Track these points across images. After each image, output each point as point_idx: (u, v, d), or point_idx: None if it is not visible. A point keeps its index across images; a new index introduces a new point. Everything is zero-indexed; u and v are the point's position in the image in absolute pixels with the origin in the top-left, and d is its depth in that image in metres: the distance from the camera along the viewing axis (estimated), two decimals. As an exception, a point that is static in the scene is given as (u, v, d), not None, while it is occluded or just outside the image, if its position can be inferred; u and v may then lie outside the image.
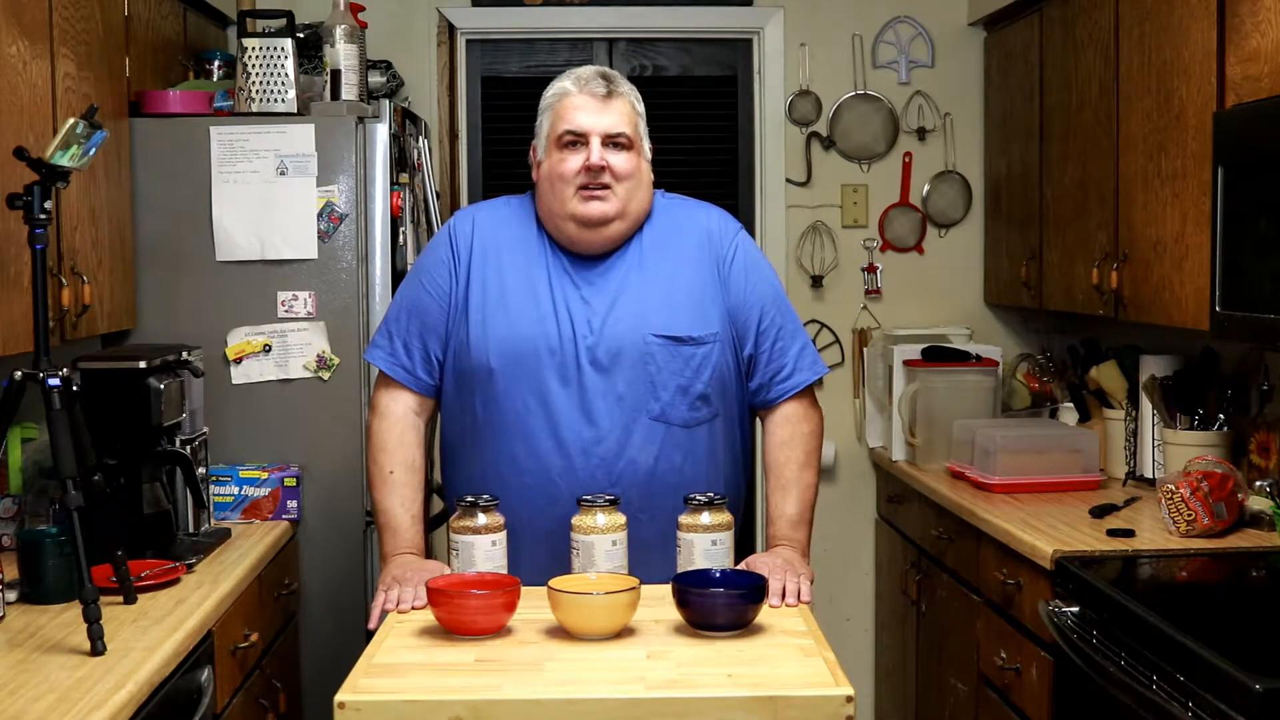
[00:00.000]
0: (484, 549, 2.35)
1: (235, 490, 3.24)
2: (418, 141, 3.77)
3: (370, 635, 2.22)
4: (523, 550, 2.44)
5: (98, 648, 2.19)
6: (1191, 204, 2.94)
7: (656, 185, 2.61)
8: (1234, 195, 2.64)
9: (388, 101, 3.44)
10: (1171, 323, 3.07)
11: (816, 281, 4.44)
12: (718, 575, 2.25)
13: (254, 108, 3.33)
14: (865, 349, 4.40)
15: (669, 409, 2.49)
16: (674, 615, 2.18)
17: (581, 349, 2.47)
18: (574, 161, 2.47)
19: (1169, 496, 2.97)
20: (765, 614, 2.20)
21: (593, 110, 2.48)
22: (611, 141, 2.48)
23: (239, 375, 3.33)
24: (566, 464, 2.46)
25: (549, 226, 2.55)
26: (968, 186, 4.46)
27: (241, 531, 3.13)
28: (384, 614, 2.30)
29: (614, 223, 2.50)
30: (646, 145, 2.56)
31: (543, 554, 2.45)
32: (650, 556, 2.43)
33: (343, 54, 3.37)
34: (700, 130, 4.46)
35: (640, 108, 2.55)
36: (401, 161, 3.53)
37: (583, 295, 2.51)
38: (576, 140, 2.48)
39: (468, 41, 4.42)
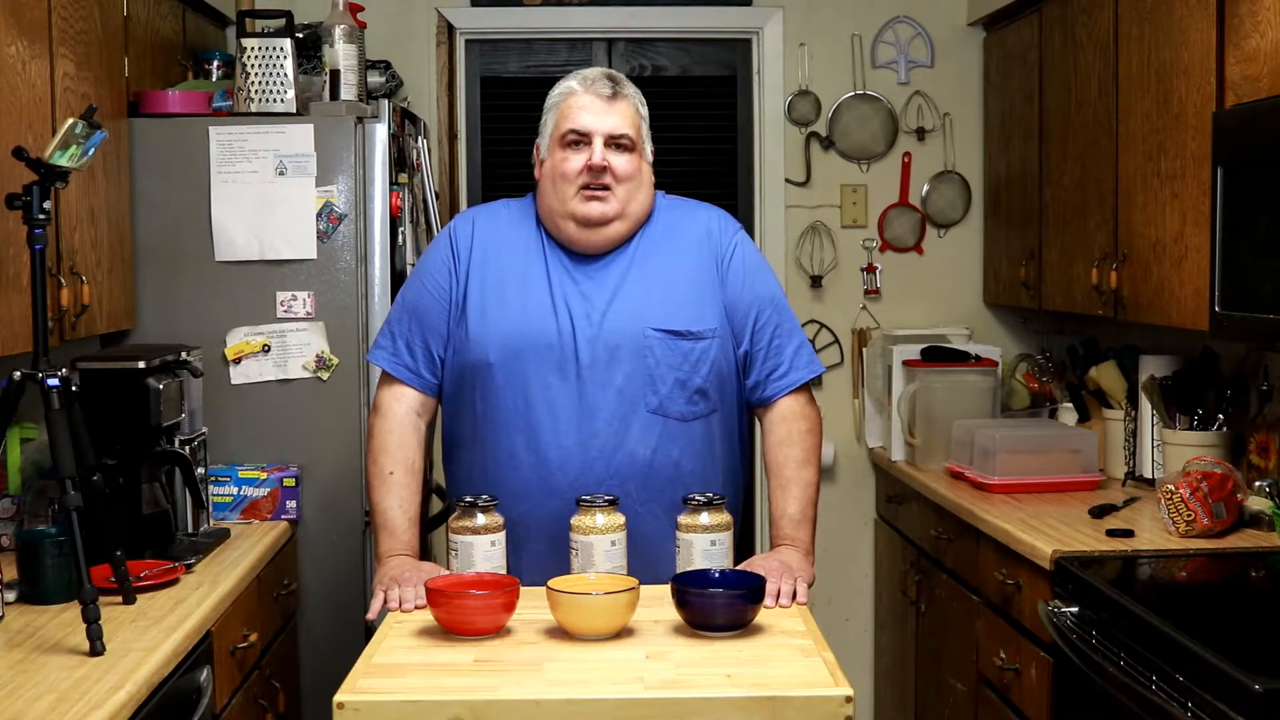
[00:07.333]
0: (483, 549, 2.35)
1: (234, 490, 3.24)
2: (417, 141, 3.76)
3: (369, 629, 2.22)
4: (523, 543, 2.46)
5: (97, 648, 2.19)
6: (1191, 204, 2.94)
7: (656, 186, 2.62)
8: (1233, 195, 2.63)
9: (387, 101, 3.44)
10: (1171, 323, 3.07)
11: (816, 281, 4.44)
12: (717, 575, 2.25)
13: (253, 108, 3.33)
14: (864, 349, 4.40)
15: (667, 402, 2.49)
16: (673, 615, 2.18)
17: (581, 342, 2.48)
18: (576, 161, 2.48)
19: (1168, 497, 2.97)
20: (764, 614, 2.20)
21: (597, 111, 2.49)
22: (614, 143, 2.49)
23: (238, 375, 3.32)
24: (565, 456, 2.47)
25: (549, 225, 2.56)
26: (967, 187, 4.46)
27: (240, 532, 3.13)
28: (384, 609, 2.31)
29: (613, 223, 2.51)
30: (649, 148, 2.58)
31: (543, 546, 2.46)
32: (650, 550, 2.44)
33: (342, 54, 3.37)
34: (699, 130, 4.45)
35: (644, 111, 2.57)
36: (400, 161, 3.53)
37: (581, 290, 2.52)
38: (580, 140, 2.49)
39: (467, 41, 4.42)
